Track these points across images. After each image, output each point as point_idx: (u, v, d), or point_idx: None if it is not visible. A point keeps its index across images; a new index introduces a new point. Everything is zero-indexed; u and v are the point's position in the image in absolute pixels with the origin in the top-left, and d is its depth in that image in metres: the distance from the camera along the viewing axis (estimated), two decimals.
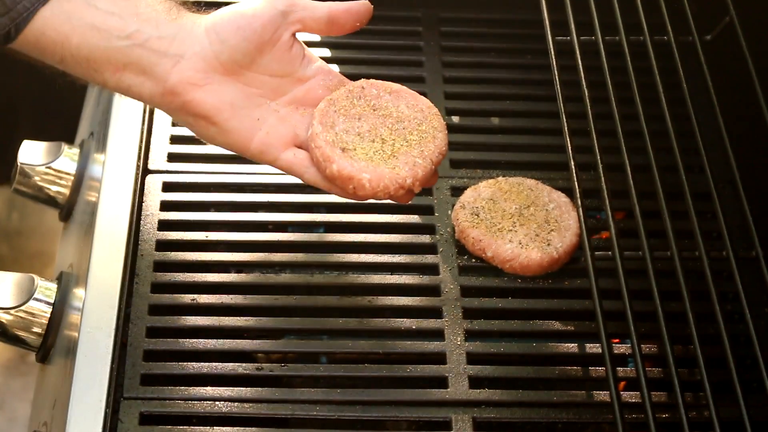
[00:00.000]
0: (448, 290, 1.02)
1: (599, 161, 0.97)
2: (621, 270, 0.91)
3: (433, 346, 0.98)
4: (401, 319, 0.99)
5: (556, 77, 1.03)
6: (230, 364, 0.95)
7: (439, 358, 0.97)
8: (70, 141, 1.18)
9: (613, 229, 0.94)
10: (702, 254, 0.94)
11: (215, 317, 0.99)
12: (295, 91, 0.94)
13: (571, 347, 0.99)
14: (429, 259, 1.04)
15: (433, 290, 1.02)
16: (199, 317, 0.98)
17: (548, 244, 1.02)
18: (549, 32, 1.07)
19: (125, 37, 0.88)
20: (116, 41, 0.88)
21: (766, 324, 1.00)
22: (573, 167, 0.97)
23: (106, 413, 0.90)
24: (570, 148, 0.98)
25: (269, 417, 0.93)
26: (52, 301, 1.01)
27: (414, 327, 0.99)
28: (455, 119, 1.18)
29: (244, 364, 0.96)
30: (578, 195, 0.96)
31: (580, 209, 0.96)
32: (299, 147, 0.92)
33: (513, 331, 1.00)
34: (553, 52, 1.05)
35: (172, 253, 1.03)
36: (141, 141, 1.11)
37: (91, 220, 1.04)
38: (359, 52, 1.23)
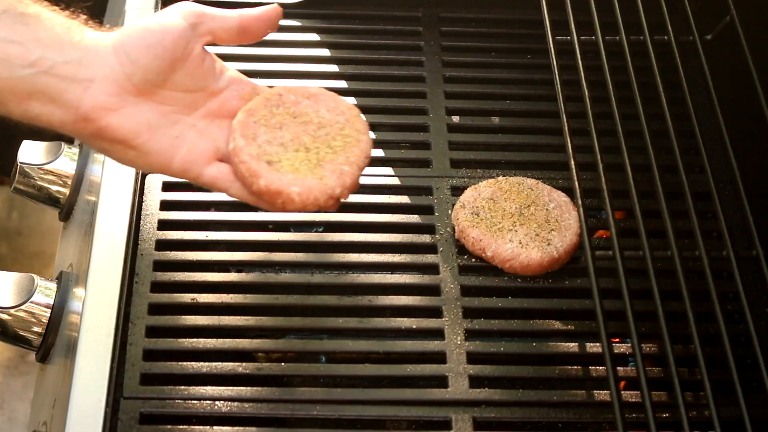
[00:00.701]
0: (448, 290, 1.02)
1: (599, 161, 0.97)
2: (621, 269, 0.91)
3: (433, 345, 0.98)
4: (401, 319, 0.99)
5: (557, 77, 1.03)
6: (230, 364, 0.95)
7: (439, 358, 0.97)
8: (70, 141, 1.18)
9: (613, 229, 0.94)
10: (702, 254, 0.94)
11: (215, 317, 0.98)
12: (209, 104, 0.90)
13: (572, 347, 0.99)
14: (429, 258, 1.04)
15: (434, 290, 1.02)
16: (199, 317, 0.98)
17: (548, 244, 1.02)
18: (549, 32, 1.07)
19: (28, 66, 0.82)
20: (19, 70, 0.82)
21: (766, 324, 1.00)
22: (573, 167, 0.97)
23: (105, 413, 0.90)
24: (570, 147, 0.98)
25: (269, 416, 0.93)
26: (51, 300, 1.01)
27: (414, 326, 0.99)
28: (455, 119, 1.17)
29: (244, 364, 0.96)
30: (579, 194, 0.96)
31: (581, 209, 0.96)
32: (221, 160, 0.89)
33: (513, 331, 1.00)
34: (553, 52, 1.05)
35: (172, 252, 1.03)
36: None
37: (91, 220, 1.04)
38: (359, 52, 1.23)
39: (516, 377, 0.97)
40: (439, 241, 1.05)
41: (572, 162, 0.97)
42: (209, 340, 0.97)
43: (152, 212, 1.06)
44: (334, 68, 1.20)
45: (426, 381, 0.96)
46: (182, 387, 0.93)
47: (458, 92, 1.19)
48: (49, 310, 1.01)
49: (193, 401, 0.92)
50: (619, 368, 0.94)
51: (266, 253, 1.04)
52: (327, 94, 0.93)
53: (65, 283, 1.03)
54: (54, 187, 1.14)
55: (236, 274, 1.03)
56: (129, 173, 1.07)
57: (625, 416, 0.84)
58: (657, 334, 0.90)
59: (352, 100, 1.07)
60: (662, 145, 1.01)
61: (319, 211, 0.89)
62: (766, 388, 0.88)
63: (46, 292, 1.01)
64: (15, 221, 2.04)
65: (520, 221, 1.04)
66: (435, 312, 1.00)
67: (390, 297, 1.01)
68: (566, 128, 0.99)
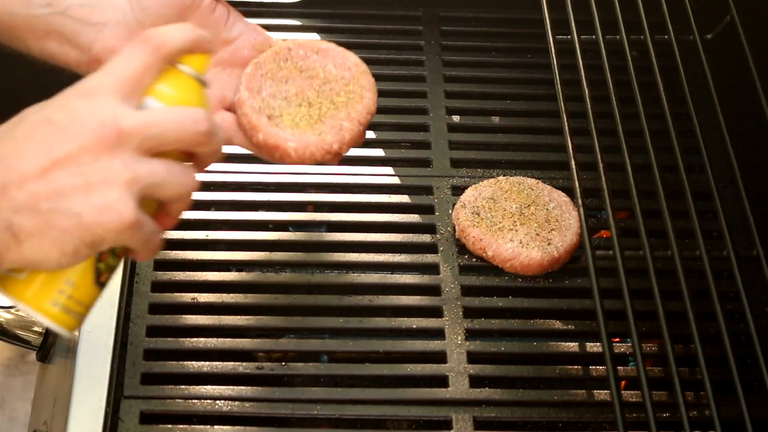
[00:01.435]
0: (448, 289, 1.02)
1: (600, 160, 0.97)
2: (622, 269, 0.91)
3: (433, 345, 0.98)
4: (402, 318, 0.99)
5: (557, 76, 1.03)
6: (231, 363, 0.95)
7: (440, 357, 0.97)
8: None
9: (613, 229, 0.94)
10: (702, 253, 0.94)
11: (215, 316, 0.98)
12: (221, 52, 0.92)
13: (572, 346, 0.99)
14: (429, 258, 1.04)
15: (434, 289, 1.02)
16: (199, 316, 0.98)
17: (549, 244, 1.02)
18: (549, 31, 1.07)
19: (45, 5, 0.86)
20: (36, 9, 0.86)
21: (766, 323, 1.00)
22: (573, 166, 0.97)
23: (106, 412, 0.90)
24: (570, 147, 0.98)
25: (270, 416, 0.93)
26: None
27: (414, 326, 0.99)
28: (456, 118, 1.17)
29: (244, 363, 0.96)
30: (579, 194, 0.96)
31: (581, 208, 0.95)
32: (228, 109, 0.91)
33: (513, 331, 1.00)
34: (553, 51, 1.05)
35: (173, 252, 1.03)
36: None
37: None
38: (359, 52, 1.22)
39: (516, 377, 0.97)
40: (439, 240, 1.05)
41: (572, 161, 0.97)
42: (210, 339, 0.97)
43: None
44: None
45: (426, 381, 0.96)
46: (183, 386, 0.93)
47: (458, 92, 1.19)
48: None
49: (193, 400, 0.92)
50: (619, 368, 0.94)
51: (266, 252, 1.04)
52: (336, 49, 0.94)
53: None
54: None
55: (236, 273, 1.03)
56: None
57: (625, 416, 0.84)
58: (657, 333, 0.90)
59: None
60: (662, 144, 1.01)
61: (318, 164, 0.90)
62: (767, 387, 0.88)
63: None
64: None
65: (520, 221, 1.04)
66: (435, 312, 1.00)
67: (390, 297, 1.01)
68: (566, 128, 0.99)
